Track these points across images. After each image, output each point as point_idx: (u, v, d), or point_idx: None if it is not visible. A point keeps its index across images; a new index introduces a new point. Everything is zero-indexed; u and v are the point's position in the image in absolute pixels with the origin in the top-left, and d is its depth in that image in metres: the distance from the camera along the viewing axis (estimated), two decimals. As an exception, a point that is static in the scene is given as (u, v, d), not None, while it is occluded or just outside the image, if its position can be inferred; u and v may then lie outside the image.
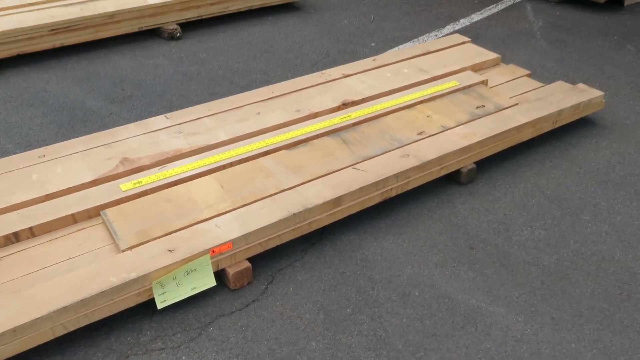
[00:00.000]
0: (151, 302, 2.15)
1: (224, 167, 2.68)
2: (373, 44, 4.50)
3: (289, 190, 2.50)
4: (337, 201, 2.47)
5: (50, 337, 1.97)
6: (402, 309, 2.18)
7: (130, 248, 2.20)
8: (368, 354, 2.01)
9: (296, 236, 2.41)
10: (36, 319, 1.91)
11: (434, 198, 2.79)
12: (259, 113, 3.09)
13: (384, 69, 3.57)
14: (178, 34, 4.56)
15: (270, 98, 3.24)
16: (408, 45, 4.48)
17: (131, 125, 2.99)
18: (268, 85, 3.48)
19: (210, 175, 2.59)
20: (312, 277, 2.34)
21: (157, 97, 3.72)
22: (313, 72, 4.02)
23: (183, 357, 2.01)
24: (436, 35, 4.67)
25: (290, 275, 2.35)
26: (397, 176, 2.62)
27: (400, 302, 2.21)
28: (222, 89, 3.82)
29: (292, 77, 3.94)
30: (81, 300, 1.97)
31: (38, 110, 3.57)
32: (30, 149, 3.16)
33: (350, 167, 2.65)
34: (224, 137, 2.87)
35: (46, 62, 4.16)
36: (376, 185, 2.57)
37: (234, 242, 2.24)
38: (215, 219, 2.33)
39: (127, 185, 2.53)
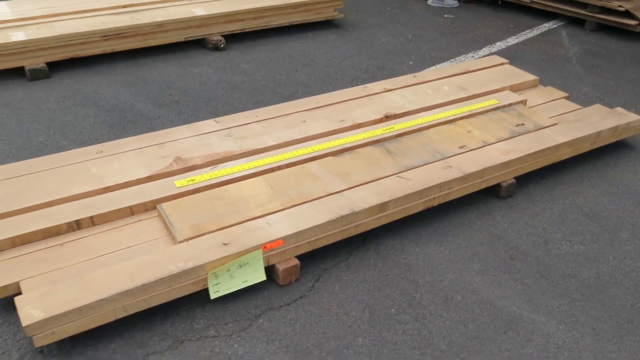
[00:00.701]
0: (204, 292, 2.25)
1: (272, 170, 2.78)
2: (411, 62, 4.62)
3: (336, 194, 2.59)
4: (382, 206, 2.55)
5: (111, 318, 2.07)
6: (445, 312, 2.25)
7: (186, 240, 2.30)
8: (413, 352, 2.08)
9: (343, 238, 2.49)
10: (101, 299, 2.01)
11: (474, 210, 2.86)
12: (304, 121, 3.20)
13: (424, 85, 3.68)
14: (222, 45, 4.72)
15: (315, 108, 3.36)
16: (445, 64, 4.58)
17: (182, 128, 3.12)
18: (310, 96, 3.61)
19: (259, 177, 2.70)
20: (357, 278, 2.41)
21: (203, 103, 3.86)
22: (352, 85, 4.14)
23: (235, 345, 2.09)
24: (472, 56, 4.77)
25: (335, 274, 2.43)
26: (440, 186, 2.70)
27: (443, 306, 2.28)
28: (266, 98, 3.95)
29: (333, 90, 4.06)
30: (142, 285, 2.07)
31: (90, 110, 3.72)
32: (84, 146, 3.30)
33: (394, 176, 2.74)
34: (271, 142, 2.98)
35: (97, 67, 4.34)
36: (420, 193, 2.65)
37: (284, 239, 2.33)
38: (266, 217, 2.43)
39: (181, 182, 2.64)
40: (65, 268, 2.21)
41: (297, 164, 2.84)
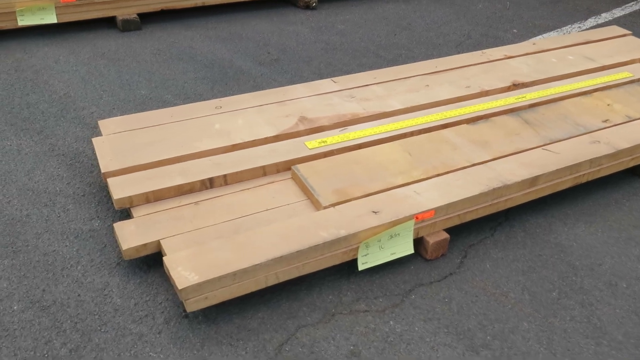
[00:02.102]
0: (346, 263, 2.09)
1: (404, 135, 2.59)
2: (515, 30, 4.34)
3: (480, 165, 2.39)
4: (533, 181, 2.35)
5: (262, 285, 1.93)
6: (612, 300, 2.06)
7: (332, 205, 2.13)
8: (587, 342, 1.90)
9: (491, 212, 2.31)
10: (256, 265, 1.86)
11: (618, 189, 2.64)
12: (427, 85, 2.99)
13: (547, 53, 3.42)
14: (314, 4, 4.50)
15: (435, 72, 3.14)
16: (552, 34, 4.29)
17: (299, 86, 2.94)
18: (413, 60, 3.40)
19: (394, 142, 2.51)
20: (507, 256, 2.23)
21: (304, 63, 3.67)
22: (457, 52, 3.90)
23: (391, 322, 1.94)
24: (579, 27, 4.47)
25: (483, 251, 2.25)
26: (590, 162, 2.48)
27: (608, 292, 2.09)
28: (369, 61, 3.74)
29: (436, 54, 3.83)
30: (297, 252, 1.92)
31: (188, 65, 3.56)
32: (189, 101, 3.15)
33: (539, 148, 2.52)
34: (397, 106, 2.78)
35: (188, 20, 4.16)
36: (570, 169, 2.44)
37: (436, 210, 2.15)
38: (412, 186, 2.25)
39: (312, 144, 2.47)
40: (205, 228, 2.07)
41: (430, 131, 2.64)
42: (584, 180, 2.52)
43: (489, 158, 2.44)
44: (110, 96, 3.18)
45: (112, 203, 2.33)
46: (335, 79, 3.02)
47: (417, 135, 2.61)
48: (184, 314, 1.93)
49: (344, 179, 2.26)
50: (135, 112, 3.02)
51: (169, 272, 1.83)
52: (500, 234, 2.34)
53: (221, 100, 2.78)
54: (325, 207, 2.13)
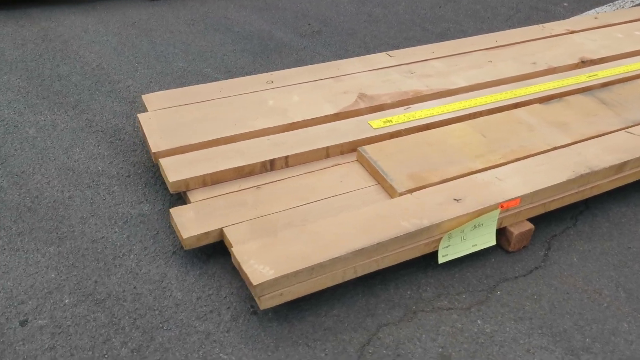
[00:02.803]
0: (423, 256, 1.91)
1: (473, 115, 2.39)
2: (565, 4, 4.10)
3: (562, 149, 2.19)
4: (620, 167, 2.15)
5: (339, 280, 1.75)
6: None
7: (408, 192, 1.94)
8: (696, 346, 1.72)
9: (576, 200, 2.12)
10: (334, 258, 1.68)
11: (702, 177, 2.43)
12: (490, 61, 2.77)
13: (611, 29, 3.19)
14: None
15: (495, 47, 2.92)
16: (606, 9, 4.05)
17: (354, 60, 2.73)
18: (463, 35, 3.20)
19: (465, 123, 2.31)
20: (594, 249, 2.05)
21: (347, 36, 3.44)
22: (508, 26, 3.67)
23: (478, 322, 1.76)
24: (632, 1, 4.22)
25: (567, 243, 2.06)
26: (679, 146, 2.28)
27: None
28: (416, 35, 3.51)
29: (487, 29, 3.60)
30: (377, 244, 1.73)
31: (226, 36, 3.33)
32: (231, 75, 2.94)
33: (622, 131, 2.32)
34: (462, 83, 2.57)
35: (221, -11, 3.93)
36: (658, 154, 2.24)
37: (521, 199, 1.96)
38: (491, 171, 2.05)
39: (376, 123, 2.27)
40: (270, 215, 1.88)
41: (499, 110, 2.44)
42: (671, 166, 2.32)
43: (570, 141, 2.24)
44: (146, 68, 2.97)
45: (162, 185, 2.15)
46: (390, 53, 2.81)
47: (486, 115, 2.41)
48: (252, 309, 1.75)
49: (417, 162, 2.07)
50: (174, 86, 2.81)
51: (239, 266, 1.65)
52: (583, 224, 2.16)
53: (272, 74, 2.57)
54: (401, 194, 1.94)
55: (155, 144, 2.08)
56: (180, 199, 2.13)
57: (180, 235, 1.81)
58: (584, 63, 2.83)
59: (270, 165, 2.07)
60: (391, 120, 2.29)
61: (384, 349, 1.66)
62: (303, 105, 2.34)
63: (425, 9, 3.86)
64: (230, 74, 2.97)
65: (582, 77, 2.67)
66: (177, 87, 2.81)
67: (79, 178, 2.21)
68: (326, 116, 2.31)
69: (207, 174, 1.98)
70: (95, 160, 2.31)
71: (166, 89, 2.77)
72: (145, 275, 1.83)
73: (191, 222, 1.84)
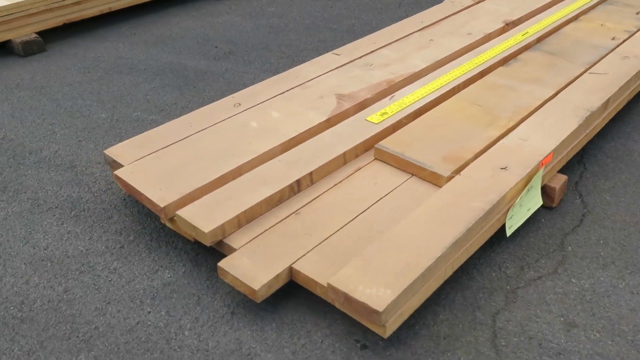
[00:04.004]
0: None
1: (453, 90, 2.37)
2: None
3: (553, 100, 2.24)
4: (605, 104, 2.25)
5: (441, 280, 1.59)
6: None
7: (455, 173, 1.84)
8: None
9: (584, 144, 2.17)
10: (438, 258, 1.52)
11: (647, 101, 2.66)
12: (431, 40, 2.78)
13: (507, -7, 3.39)
14: (228, -8, 4.05)
15: (426, 27, 2.95)
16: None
17: (306, 65, 2.58)
18: (370, 27, 3.25)
19: (452, 99, 2.27)
20: (617, 184, 2.12)
21: (263, 50, 3.26)
22: (404, 12, 3.74)
23: (573, 280, 1.71)
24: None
25: (592, 186, 2.12)
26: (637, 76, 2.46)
27: None
28: (329, 35, 3.43)
29: (384, 19, 3.64)
30: (467, 231, 1.60)
31: (134, 76, 2.98)
32: (167, 114, 2.62)
33: (586, 74, 2.44)
34: (422, 65, 2.54)
35: (98, 32, 3.53)
36: (627, 85, 2.38)
37: (553, 152, 1.95)
38: (511, 135, 2.03)
39: (375, 118, 2.14)
40: (332, 237, 1.67)
41: (472, 80, 2.45)
42: (633, 95, 2.49)
43: (553, 92, 2.30)
44: (65, 128, 2.53)
45: (170, 245, 1.82)
46: (335, 51, 2.69)
47: (463, 87, 2.40)
48: (359, 344, 1.52)
49: (440, 144, 1.98)
50: (110, 139, 2.43)
51: (347, 297, 1.42)
52: (592, 165, 2.22)
53: (234, 96, 2.32)
54: (448, 178, 1.83)
55: (161, 198, 1.75)
56: (203, 252, 1.81)
57: (249, 287, 1.52)
58: (508, 25, 2.96)
59: (297, 187, 1.84)
60: (386, 112, 2.18)
61: (514, 337, 1.53)
62: (289, 120, 2.14)
63: (319, 11, 3.80)
64: (166, 112, 2.64)
65: (519, 37, 2.78)
66: (113, 138, 2.43)
67: (62, 266, 1.79)
68: (319, 124, 2.13)
69: (240, 214, 1.69)
70: (70, 241, 1.89)
71: (104, 144, 2.38)
72: (217, 349, 1.51)
73: (252, 270, 1.56)
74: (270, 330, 1.56)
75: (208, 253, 1.82)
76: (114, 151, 1.99)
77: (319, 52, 3.20)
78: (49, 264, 1.80)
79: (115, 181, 2.15)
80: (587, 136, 2.19)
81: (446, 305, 1.63)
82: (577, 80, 2.39)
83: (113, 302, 1.66)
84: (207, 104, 2.67)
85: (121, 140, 2.43)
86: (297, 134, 2.06)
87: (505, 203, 1.77)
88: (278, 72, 2.98)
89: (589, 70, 2.46)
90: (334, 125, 2.16)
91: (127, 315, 1.62)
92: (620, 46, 2.67)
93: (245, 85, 2.85)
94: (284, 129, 2.08)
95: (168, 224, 1.79)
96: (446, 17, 3.05)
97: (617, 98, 2.33)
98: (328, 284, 1.46)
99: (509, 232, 1.82)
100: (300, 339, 1.54)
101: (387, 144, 1.99)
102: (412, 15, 3.30)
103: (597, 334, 1.54)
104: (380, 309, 1.37)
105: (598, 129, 2.26)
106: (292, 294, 1.66)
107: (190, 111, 2.61)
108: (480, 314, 1.60)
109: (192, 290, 1.70)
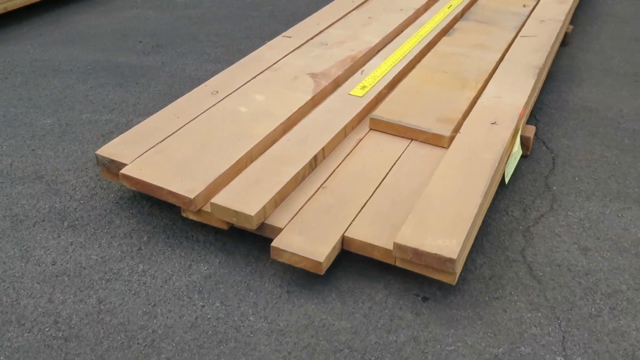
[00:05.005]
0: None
1: (413, 61, 2.52)
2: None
3: (504, 61, 2.47)
4: (545, 62, 2.53)
5: (478, 228, 1.72)
6: (660, 129, 2.40)
7: (454, 133, 1.99)
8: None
9: (538, 96, 2.43)
10: (479, 206, 1.64)
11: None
12: (370, 17, 2.91)
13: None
14: (128, -15, 3.86)
15: (359, 6, 3.07)
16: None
17: (263, 49, 2.58)
18: (291, 10, 3.42)
19: (417, 68, 2.42)
20: (567, 119, 2.40)
21: (192, 41, 3.18)
22: (314, -4, 3.84)
23: (571, 213, 1.94)
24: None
25: (549, 132, 2.37)
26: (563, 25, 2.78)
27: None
28: (253, 23, 3.43)
29: (300, 4, 3.71)
30: (490, 180, 1.75)
31: (64, 78, 2.76)
32: (121, 112, 2.48)
33: (518, 37, 2.72)
34: (375, 40, 2.66)
35: (2, 34, 3.19)
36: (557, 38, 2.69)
37: (525, 105, 2.18)
38: (484, 95, 2.22)
39: (357, 92, 2.23)
40: (370, 203, 1.73)
41: (427, 50, 2.63)
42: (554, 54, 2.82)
43: (500, 54, 2.54)
44: (9, 139, 2.30)
45: (192, 239, 1.77)
46: (285, 34, 2.73)
47: (420, 57, 2.57)
48: (420, 297, 1.60)
49: (427, 108, 2.11)
50: (70, 145, 2.25)
51: (418, 251, 1.50)
52: (542, 117, 2.49)
53: (206, 85, 2.27)
54: (450, 137, 1.97)
55: (188, 190, 1.68)
56: (230, 240, 1.78)
57: (312, 261, 1.54)
58: (431, 0, 3.17)
59: (314, 162, 1.87)
60: (365, 86, 2.26)
61: (545, 267, 1.71)
62: (276, 102, 2.14)
63: (232, 0, 3.77)
64: (119, 111, 2.49)
65: (446, 10, 3.00)
66: (72, 143, 2.26)
67: (82, 278, 1.66)
68: (306, 104, 2.16)
69: (275, 195, 1.69)
70: (78, 252, 1.75)
71: (64, 150, 2.21)
72: (290, 327, 1.51)
73: (308, 244, 1.58)
74: (333, 301, 1.59)
75: (236, 241, 1.79)
76: (108, 151, 1.86)
77: (250, 39, 3.19)
78: (67, 279, 1.65)
79: (103, 183, 2.01)
80: (537, 91, 2.45)
81: (478, 251, 1.76)
82: (515, 43, 2.64)
83: (160, 304, 1.58)
84: (160, 98, 2.58)
85: (82, 144, 2.26)
86: (291, 113, 2.08)
87: (505, 152, 1.94)
88: (220, 62, 2.93)
89: (520, 34, 2.73)
90: (319, 102, 2.20)
91: (181, 313, 1.55)
92: (534, 12, 3.00)
93: (191, 77, 2.77)
94: (275, 111, 2.08)
95: (192, 216, 1.73)
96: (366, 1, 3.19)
97: (550, 56, 2.63)
98: (395, 243, 1.52)
99: (507, 180, 2.00)
100: (365, 302, 1.59)
101: (382, 113, 2.08)
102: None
103: (608, 253, 1.77)
104: (455, 256, 1.47)
105: (541, 84, 2.53)
106: (336, 265, 1.69)
107: (146, 107, 2.51)
108: (510, 253, 1.76)
109: (236, 278, 1.66)
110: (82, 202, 1.96)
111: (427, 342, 1.48)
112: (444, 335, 1.49)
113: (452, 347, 1.46)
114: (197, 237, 1.81)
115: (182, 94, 2.59)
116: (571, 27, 3.18)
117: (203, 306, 1.57)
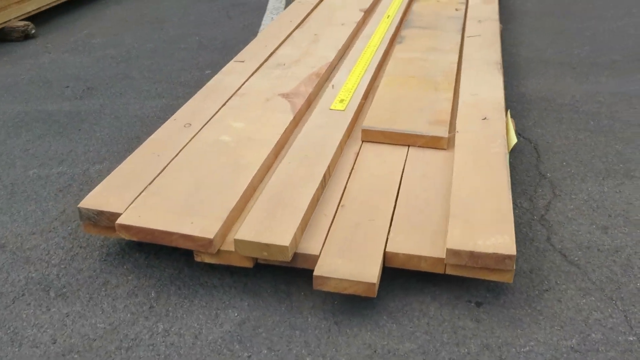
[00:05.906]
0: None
1: (377, 70, 2.49)
2: (249, -5, 4.36)
3: (464, 61, 2.51)
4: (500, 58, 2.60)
5: (508, 222, 1.68)
6: (615, 108, 2.53)
7: (450, 134, 1.96)
8: None
9: (503, 92, 2.48)
10: (509, 199, 1.61)
11: (498, 56, 3.12)
12: (316, 34, 2.86)
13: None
14: (33, 31, 3.55)
15: (298, 25, 3.00)
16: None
17: (219, 76, 2.44)
18: (219, 42, 3.24)
19: (385, 77, 2.39)
20: (538, 119, 2.46)
21: (126, 80, 2.95)
22: (236, 24, 3.74)
23: (573, 197, 1.96)
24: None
25: (521, 124, 2.42)
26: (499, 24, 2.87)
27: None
28: (183, 55, 3.25)
29: (226, 32, 3.59)
30: (507, 170, 1.73)
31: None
32: (69, 164, 2.23)
33: (467, 38, 2.78)
34: (332, 55, 2.60)
35: None
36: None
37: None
38: (461, 94, 2.23)
39: (338, 106, 2.15)
40: (397, 217, 1.64)
41: (384, 58, 2.62)
42: (500, 50, 2.90)
43: (457, 55, 2.57)
44: (-49, 209, 1.97)
45: (207, 283, 1.60)
46: (236, 58, 2.59)
47: (382, 65, 2.55)
48: (472, 303, 1.53)
49: (414, 113, 2.08)
50: (23, 206, 1.97)
51: (477, 252, 1.43)
52: (509, 109, 2.53)
53: (176, 118, 2.08)
54: (450, 137, 1.93)
55: (203, 230, 1.50)
56: (252, 279, 1.61)
57: (364, 284, 1.42)
58: (365, 12, 3.17)
59: (324, 180, 1.75)
60: (343, 99, 2.19)
61: (577, 251, 1.70)
62: (257, 126, 2.01)
63: (154, 35, 3.56)
64: (70, 162, 2.23)
65: (386, 20, 3.02)
66: (28, 204, 1.98)
67: (97, 351, 1.42)
68: (288, 126, 2.04)
69: (302, 219, 1.55)
70: (79, 323, 1.50)
71: (20, 212, 1.93)
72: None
73: (352, 268, 1.46)
74: (387, 324, 1.47)
75: (258, 279, 1.62)
76: (93, 202, 1.63)
77: (188, 70, 3.02)
78: (77, 356, 1.40)
79: (89, 236, 1.75)
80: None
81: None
82: (465, 43, 2.69)
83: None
84: (112, 142, 2.35)
85: (39, 203, 1.99)
86: (279, 136, 1.94)
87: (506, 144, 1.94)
88: (164, 97, 2.73)
89: (466, 35, 2.79)
90: (300, 121, 2.09)
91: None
92: (468, 14, 3.09)
93: (138, 116, 2.56)
94: (260, 136, 1.95)
95: (208, 259, 1.55)
96: (308, 15, 3.14)
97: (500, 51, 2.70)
98: (448, 249, 1.43)
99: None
100: (421, 319, 1.48)
101: (371, 123, 2.00)
102: (246, 24, 3.38)
103: (626, 228, 1.79)
104: (513, 252, 1.41)
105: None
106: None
107: (99, 154, 2.29)
108: (538, 244, 1.73)
109: (274, 318, 1.49)
110: (62, 266, 1.70)
111: (500, 347, 1.39)
112: (514, 337, 1.42)
113: (527, 348, 1.39)
114: (212, 282, 1.62)
115: (137, 135, 2.38)
116: (501, 25, 3.31)
117: (249, 356, 1.39)
